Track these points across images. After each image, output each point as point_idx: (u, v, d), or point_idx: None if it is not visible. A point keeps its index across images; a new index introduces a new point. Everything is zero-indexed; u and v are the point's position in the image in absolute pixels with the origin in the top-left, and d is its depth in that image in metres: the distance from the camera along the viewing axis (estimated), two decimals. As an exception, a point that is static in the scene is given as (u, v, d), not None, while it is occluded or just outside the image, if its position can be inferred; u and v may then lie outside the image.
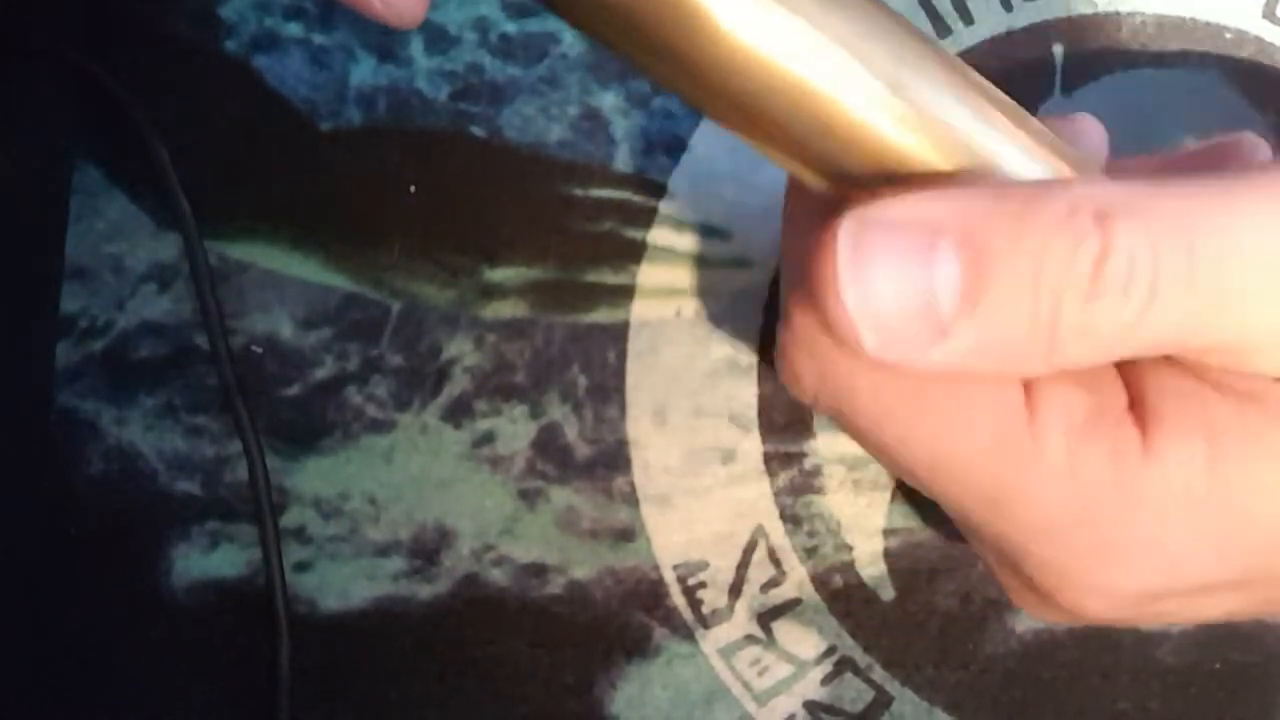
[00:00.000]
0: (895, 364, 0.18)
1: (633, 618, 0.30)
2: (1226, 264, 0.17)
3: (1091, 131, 0.23)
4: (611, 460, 0.30)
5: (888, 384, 0.20)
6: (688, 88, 0.18)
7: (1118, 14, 0.30)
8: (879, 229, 0.17)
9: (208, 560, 0.30)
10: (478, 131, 0.31)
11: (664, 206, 0.31)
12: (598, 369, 0.30)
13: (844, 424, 0.21)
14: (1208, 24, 0.30)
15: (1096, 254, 0.17)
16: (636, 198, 0.31)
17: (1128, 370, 0.20)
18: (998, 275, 0.17)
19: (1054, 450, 0.19)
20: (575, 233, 0.31)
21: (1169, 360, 0.20)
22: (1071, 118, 0.23)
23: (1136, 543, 0.20)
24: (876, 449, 0.21)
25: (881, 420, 0.20)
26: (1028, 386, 0.20)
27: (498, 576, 0.30)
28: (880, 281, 0.17)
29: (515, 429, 0.30)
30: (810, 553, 0.30)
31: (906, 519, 0.30)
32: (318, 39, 0.31)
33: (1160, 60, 0.30)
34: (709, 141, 0.31)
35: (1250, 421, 0.19)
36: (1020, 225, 0.17)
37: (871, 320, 0.18)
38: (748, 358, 0.30)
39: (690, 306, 0.30)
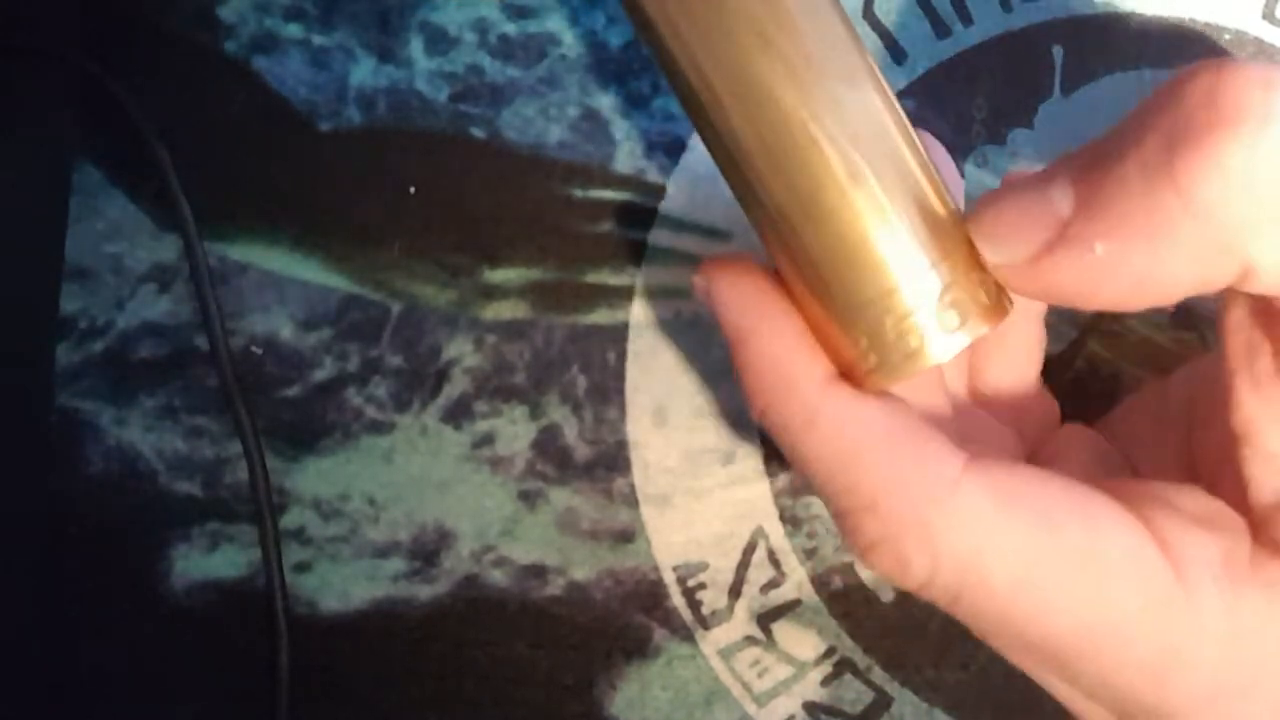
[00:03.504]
0: (1025, 266, 0.18)
1: (633, 619, 0.30)
2: None
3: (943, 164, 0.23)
4: (611, 461, 0.30)
5: (1023, 551, 0.19)
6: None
7: (1118, 14, 0.30)
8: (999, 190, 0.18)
9: (208, 561, 0.30)
10: (478, 132, 0.31)
11: (664, 207, 0.30)
12: (597, 370, 0.30)
13: (965, 608, 0.19)
14: (1207, 24, 0.30)
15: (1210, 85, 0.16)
16: (636, 198, 0.31)
17: (1234, 499, 0.20)
18: (1112, 172, 0.16)
19: (1211, 606, 0.18)
20: (575, 233, 0.31)
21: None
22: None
23: None
24: (1006, 630, 0.20)
25: (1018, 594, 0.19)
26: (1156, 534, 0.19)
27: (497, 577, 0.30)
28: (1001, 202, 0.18)
29: (515, 430, 0.30)
30: (810, 554, 0.30)
31: (906, 520, 0.30)
32: (317, 40, 0.31)
33: (1160, 60, 0.30)
34: (709, 142, 0.31)
35: None
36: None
37: (993, 223, 0.18)
38: (747, 358, 0.30)
39: (690, 307, 0.30)
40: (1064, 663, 0.19)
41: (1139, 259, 0.16)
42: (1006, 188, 0.18)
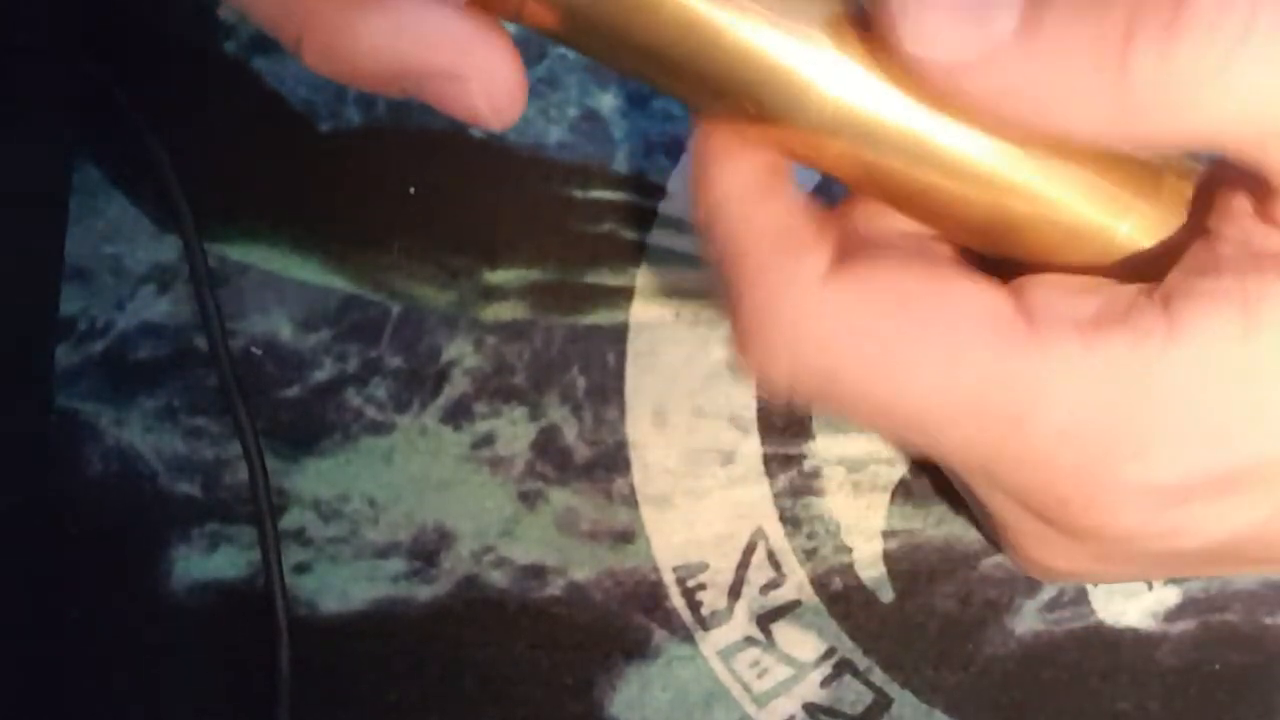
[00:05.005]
0: (936, 79, 0.17)
1: (632, 619, 0.30)
2: None
3: None
4: (611, 462, 0.30)
5: (868, 339, 0.19)
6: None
7: (1119, 14, 0.30)
8: None
9: (208, 562, 0.31)
10: (477, 132, 0.31)
11: (664, 208, 0.30)
12: (597, 370, 0.30)
13: (832, 404, 0.20)
14: (1209, 24, 0.30)
15: None
16: (636, 199, 0.31)
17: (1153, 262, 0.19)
18: (1062, 21, 0.16)
19: (1066, 350, 0.18)
20: (575, 234, 0.31)
21: (1200, 239, 0.19)
22: None
23: (1169, 427, 0.18)
24: (872, 418, 0.20)
25: (870, 382, 0.19)
26: (1019, 299, 0.19)
27: (497, 578, 0.30)
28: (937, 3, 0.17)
29: (515, 431, 0.30)
30: (810, 554, 0.30)
31: (906, 521, 0.30)
32: (317, 40, 0.31)
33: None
34: (709, 142, 0.30)
35: None
36: None
37: (914, 22, 0.17)
38: (747, 359, 0.30)
39: (690, 307, 0.30)
40: (930, 443, 0.19)
41: (1058, 105, 0.17)
42: None
